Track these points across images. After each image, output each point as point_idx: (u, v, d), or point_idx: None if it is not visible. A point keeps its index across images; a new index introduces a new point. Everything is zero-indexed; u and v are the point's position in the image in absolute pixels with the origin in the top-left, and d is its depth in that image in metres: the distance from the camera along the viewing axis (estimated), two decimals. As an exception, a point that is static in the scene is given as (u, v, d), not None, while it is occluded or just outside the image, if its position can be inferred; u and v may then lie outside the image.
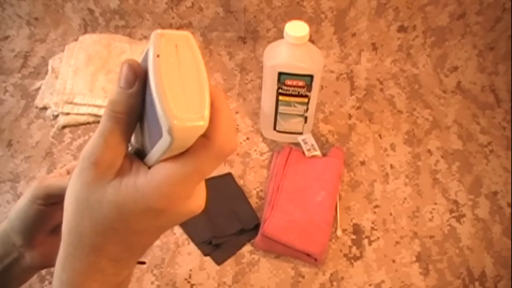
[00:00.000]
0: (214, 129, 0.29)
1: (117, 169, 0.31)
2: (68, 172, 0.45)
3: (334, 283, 0.66)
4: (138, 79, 0.30)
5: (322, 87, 0.91)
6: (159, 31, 0.29)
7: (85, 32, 0.99)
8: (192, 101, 0.28)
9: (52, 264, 0.45)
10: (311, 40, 0.72)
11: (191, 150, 0.30)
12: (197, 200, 0.32)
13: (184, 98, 0.28)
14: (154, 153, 0.30)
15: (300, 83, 0.73)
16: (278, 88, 0.74)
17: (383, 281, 0.67)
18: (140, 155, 0.33)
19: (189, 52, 0.29)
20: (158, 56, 0.28)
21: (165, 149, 0.29)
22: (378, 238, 0.71)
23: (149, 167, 0.31)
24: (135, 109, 0.31)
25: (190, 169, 0.30)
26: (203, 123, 0.28)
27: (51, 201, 0.43)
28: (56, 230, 0.45)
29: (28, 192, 0.43)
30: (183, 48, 0.29)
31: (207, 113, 0.28)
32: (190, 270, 0.67)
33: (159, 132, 0.28)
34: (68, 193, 0.33)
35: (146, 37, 0.99)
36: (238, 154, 0.81)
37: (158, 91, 0.28)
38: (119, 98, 0.30)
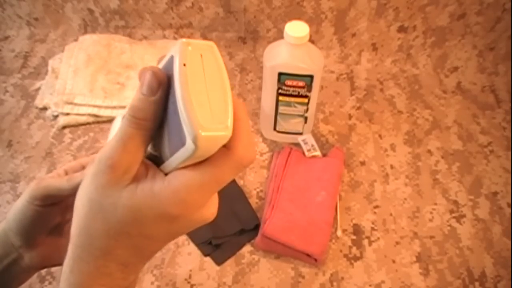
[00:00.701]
0: (235, 139, 0.30)
1: (134, 174, 0.31)
2: (66, 173, 0.44)
3: (334, 284, 0.66)
4: (161, 86, 0.30)
5: (322, 87, 0.91)
6: (184, 40, 0.29)
7: (85, 32, 0.99)
8: (216, 111, 0.29)
9: (51, 264, 0.45)
10: (311, 40, 0.72)
11: (211, 159, 0.30)
12: (211, 208, 0.33)
13: (209, 107, 0.28)
14: (173, 161, 0.30)
15: (300, 84, 0.73)
16: (278, 88, 0.74)
17: (383, 282, 0.67)
18: (154, 161, 0.33)
19: (214, 62, 0.30)
20: (184, 65, 0.29)
21: (187, 157, 0.29)
22: (378, 238, 0.71)
23: (166, 174, 0.31)
24: (156, 116, 0.31)
25: (209, 177, 0.30)
26: (227, 133, 0.28)
27: (49, 202, 0.43)
28: (55, 230, 0.45)
29: (25, 193, 0.43)
30: (207, 58, 0.30)
31: (231, 123, 0.29)
32: (190, 271, 0.67)
33: (181, 140, 0.28)
34: (81, 194, 0.33)
35: (146, 37, 0.99)
36: (238, 155, 0.81)
37: (185, 100, 0.28)
38: (141, 104, 0.30)
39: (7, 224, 0.43)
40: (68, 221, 0.45)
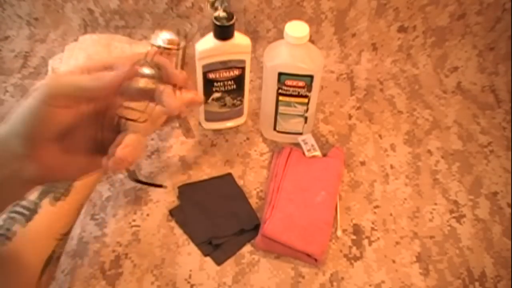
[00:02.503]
0: None
1: None
2: (88, 71, 0.39)
3: (334, 284, 0.66)
4: None
5: (322, 87, 0.91)
6: None
7: (85, 32, 0.99)
8: None
9: (54, 179, 0.41)
10: (311, 40, 0.72)
11: None
12: None
13: None
14: None
15: (300, 84, 0.73)
16: (278, 88, 0.74)
17: (383, 282, 0.67)
18: None
19: None
20: None
21: None
22: (378, 238, 0.71)
23: None
24: None
25: None
26: None
27: (66, 103, 0.37)
28: (62, 139, 0.39)
29: (39, 91, 0.36)
30: None
31: None
32: (190, 271, 0.67)
33: None
34: None
35: (146, 37, 0.99)
36: (238, 155, 0.81)
37: None
38: None
39: (9, 128, 0.37)
40: (79, 131, 0.40)
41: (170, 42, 0.43)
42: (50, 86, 0.36)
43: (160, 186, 0.74)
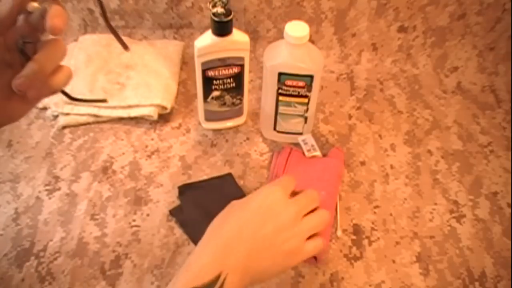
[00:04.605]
0: None
1: None
2: None
3: (334, 283, 0.66)
4: None
5: (322, 87, 0.91)
6: None
7: (85, 32, 0.99)
8: None
9: None
10: (311, 40, 0.72)
11: None
12: None
13: None
14: None
15: (300, 84, 0.73)
16: (278, 88, 0.74)
17: (383, 282, 0.67)
18: None
19: None
20: None
21: None
22: (378, 238, 0.71)
23: None
24: None
25: None
26: None
27: None
28: None
29: None
30: None
31: None
32: (190, 271, 0.67)
33: None
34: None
35: (146, 37, 0.99)
36: (238, 154, 0.81)
37: None
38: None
39: None
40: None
41: None
42: None
43: (101, 101, 0.69)
